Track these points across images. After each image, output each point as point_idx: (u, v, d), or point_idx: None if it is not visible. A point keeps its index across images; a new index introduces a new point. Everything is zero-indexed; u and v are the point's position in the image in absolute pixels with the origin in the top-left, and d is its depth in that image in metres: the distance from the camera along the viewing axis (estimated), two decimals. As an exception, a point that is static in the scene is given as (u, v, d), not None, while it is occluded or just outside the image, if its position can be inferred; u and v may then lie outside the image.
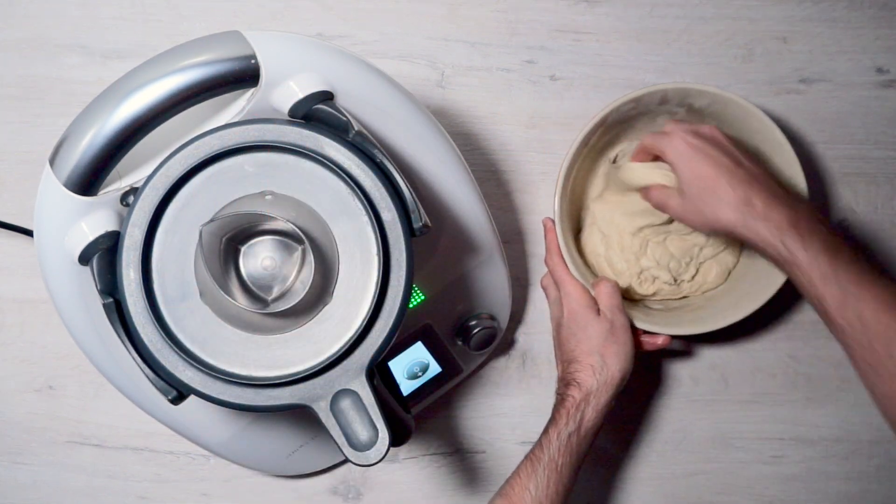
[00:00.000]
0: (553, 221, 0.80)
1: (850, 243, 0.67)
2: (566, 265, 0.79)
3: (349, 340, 0.54)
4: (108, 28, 0.86)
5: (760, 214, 0.68)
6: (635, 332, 0.80)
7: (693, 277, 0.85)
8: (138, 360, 0.54)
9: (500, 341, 0.84)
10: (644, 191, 0.78)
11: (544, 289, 0.83)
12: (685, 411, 0.89)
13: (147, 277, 0.55)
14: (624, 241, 0.83)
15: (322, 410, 0.54)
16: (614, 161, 0.85)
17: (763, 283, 0.79)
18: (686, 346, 0.89)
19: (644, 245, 0.83)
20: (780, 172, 0.79)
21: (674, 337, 0.81)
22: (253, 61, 0.58)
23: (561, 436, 0.73)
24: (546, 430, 0.74)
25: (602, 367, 0.75)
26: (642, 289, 0.84)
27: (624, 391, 0.89)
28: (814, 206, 0.71)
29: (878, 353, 0.62)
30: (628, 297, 0.84)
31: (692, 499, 0.90)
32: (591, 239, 0.84)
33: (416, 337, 0.78)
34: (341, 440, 0.54)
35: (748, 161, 0.72)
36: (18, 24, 0.85)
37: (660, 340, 0.81)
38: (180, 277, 0.55)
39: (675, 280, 0.84)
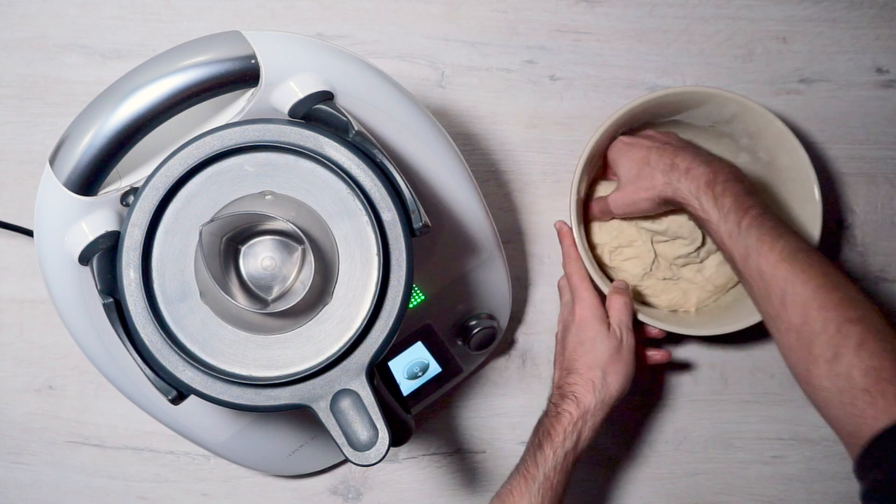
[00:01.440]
0: (567, 225, 0.80)
1: (761, 201, 0.70)
2: (584, 271, 0.79)
3: (349, 340, 0.54)
4: (108, 28, 0.86)
5: (682, 174, 0.73)
6: (639, 348, 0.80)
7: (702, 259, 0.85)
8: (138, 360, 0.54)
9: (500, 341, 0.84)
10: (589, 208, 0.83)
11: (560, 289, 0.83)
12: (685, 411, 0.89)
13: (147, 277, 0.55)
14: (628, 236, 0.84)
15: (322, 410, 0.54)
16: None
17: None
18: (686, 347, 0.89)
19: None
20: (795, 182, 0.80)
21: (677, 335, 0.81)
22: (253, 61, 0.58)
23: (557, 454, 0.72)
24: (540, 446, 0.73)
25: (602, 384, 0.74)
26: (653, 281, 0.84)
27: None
28: (735, 166, 0.75)
29: (775, 304, 0.65)
30: (639, 299, 0.84)
31: (692, 499, 0.90)
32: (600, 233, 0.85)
33: (416, 337, 0.78)
34: (341, 440, 0.54)
35: (676, 140, 0.79)
36: (18, 23, 0.85)
37: (658, 356, 0.82)
38: (180, 277, 0.55)
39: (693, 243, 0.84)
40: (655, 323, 0.79)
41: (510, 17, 0.88)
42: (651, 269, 0.85)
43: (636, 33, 0.88)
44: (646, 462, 0.89)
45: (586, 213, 0.85)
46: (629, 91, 0.88)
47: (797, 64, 0.89)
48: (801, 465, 0.90)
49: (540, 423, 0.75)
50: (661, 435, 0.89)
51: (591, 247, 0.84)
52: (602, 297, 0.79)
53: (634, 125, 0.83)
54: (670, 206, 0.77)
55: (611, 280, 0.83)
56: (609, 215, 0.82)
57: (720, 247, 0.71)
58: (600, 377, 0.74)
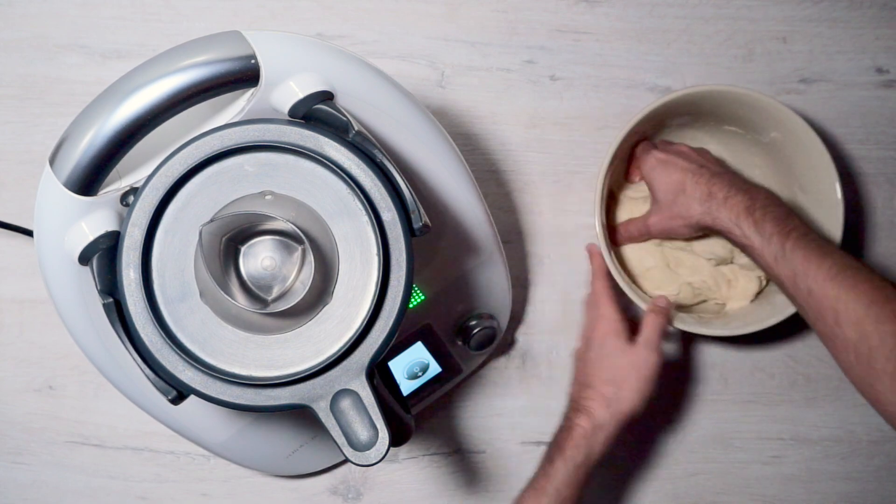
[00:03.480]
0: (597, 247, 0.80)
1: (802, 222, 0.71)
2: (608, 288, 0.79)
3: (349, 340, 0.54)
4: (108, 28, 0.86)
5: (721, 203, 0.73)
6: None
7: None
8: (138, 360, 0.54)
9: (500, 341, 0.84)
10: (624, 228, 0.84)
11: (585, 306, 0.83)
12: (685, 411, 0.89)
13: (147, 277, 0.55)
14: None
15: (322, 410, 0.54)
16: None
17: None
18: (686, 345, 0.89)
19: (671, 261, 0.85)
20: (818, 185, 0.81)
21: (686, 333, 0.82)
22: (253, 61, 0.58)
23: (567, 466, 0.72)
24: (551, 459, 0.73)
25: (616, 399, 0.74)
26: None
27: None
28: (771, 192, 0.75)
29: (829, 323, 0.65)
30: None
31: (692, 499, 0.90)
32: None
33: (416, 337, 0.78)
34: (341, 440, 0.54)
35: (710, 163, 0.79)
36: (18, 23, 0.85)
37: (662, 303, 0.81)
38: (180, 277, 0.55)
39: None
40: (686, 327, 0.80)
41: (510, 17, 0.88)
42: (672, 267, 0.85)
43: (636, 33, 0.88)
44: (646, 462, 0.89)
45: (610, 220, 0.86)
46: (629, 91, 0.88)
47: (797, 64, 0.89)
48: (801, 465, 0.90)
49: (553, 437, 0.75)
50: (661, 435, 0.89)
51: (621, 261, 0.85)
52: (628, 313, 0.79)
53: (667, 122, 0.83)
54: (707, 232, 0.78)
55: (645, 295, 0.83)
56: (647, 237, 0.83)
57: (767, 271, 0.71)
58: (614, 392, 0.74)
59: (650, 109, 0.79)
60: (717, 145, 0.86)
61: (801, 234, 0.69)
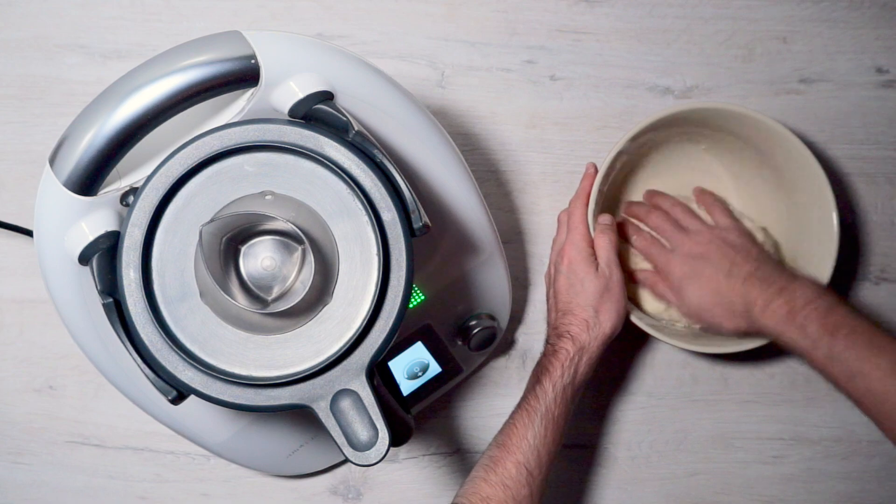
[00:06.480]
0: (596, 169, 0.82)
1: (846, 312, 0.71)
2: (586, 213, 0.80)
3: (349, 340, 0.54)
4: (108, 28, 0.86)
5: (760, 312, 0.73)
6: (630, 278, 0.83)
7: None
8: (138, 360, 0.54)
9: (500, 341, 0.84)
10: (638, 274, 0.84)
11: (558, 223, 0.84)
12: (685, 411, 0.89)
13: (147, 277, 0.55)
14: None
15: (322, 410, 0.54)
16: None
17: None
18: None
19: None
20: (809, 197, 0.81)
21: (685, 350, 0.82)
22: (253, 61, 0.58)
23: (556, 387, 0.74)
24: (539, 381, 0.75)
25: (595, 322, 0.77)
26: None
27: (624, 391, 0.89)
28: (809, 281, 0.74)
29: (894, 417, 0.67)
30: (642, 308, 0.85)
31: (692, 499, 0.90)
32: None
33: (416, 337, 0.78)
34: (341, 440, 0.54)
35: (743, 253, 0.78)
36: (18, 23, 0.85)
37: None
38: (180, 277, 0.55)
39: None
40: (646, 328, 0.79)
41: (510, 17, 0.88)
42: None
43: (636, 33, 0.88)
44: (646, 462, 0.89)
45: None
46: (629, 91, 0.88)
47: (797, 64, 0.89)
48: (801, 465, 0.90)
49: (538, 362, 0.77)
50: (661, 435, 0.89)
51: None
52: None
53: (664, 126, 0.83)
54: None
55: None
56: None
57: (818, 370, 0.72)
58: (593, 315, 0.77)
59: (632, 133, 0.79)
60: (713, 158, 0.86)
61: (849, 330, 0.69)
